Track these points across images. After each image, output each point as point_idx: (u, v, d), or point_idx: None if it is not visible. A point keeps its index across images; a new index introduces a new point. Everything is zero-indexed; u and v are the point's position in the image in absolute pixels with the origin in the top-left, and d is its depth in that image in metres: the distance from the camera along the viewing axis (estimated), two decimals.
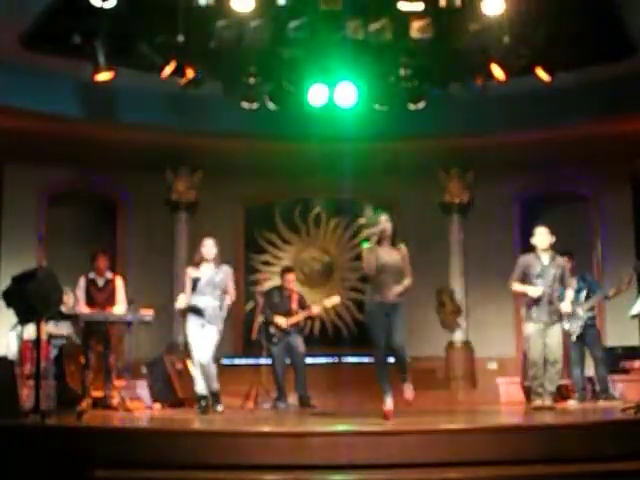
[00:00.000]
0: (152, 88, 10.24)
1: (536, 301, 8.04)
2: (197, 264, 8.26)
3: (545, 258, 8.13)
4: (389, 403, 7.21)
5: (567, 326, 9.20)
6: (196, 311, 8.12)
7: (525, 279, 8.17)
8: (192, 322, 8.16)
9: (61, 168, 12.11)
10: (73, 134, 11.17)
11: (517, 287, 8.22)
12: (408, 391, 7.29)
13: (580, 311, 9.23)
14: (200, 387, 8.16)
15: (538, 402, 7.97)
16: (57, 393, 8.65)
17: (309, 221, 13.35)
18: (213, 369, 8.16)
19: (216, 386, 8.21)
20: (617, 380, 9.57)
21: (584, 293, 9.35)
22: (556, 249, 8.22)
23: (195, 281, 8.19)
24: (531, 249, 8.26)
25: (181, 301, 8.21)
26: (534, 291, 8.04)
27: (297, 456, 5.80)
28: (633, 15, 9.23)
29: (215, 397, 8.21)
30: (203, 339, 8.08)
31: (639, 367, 10.10)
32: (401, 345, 7.28)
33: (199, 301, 8.14)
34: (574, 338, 9.28)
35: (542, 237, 8.16)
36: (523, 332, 8.32)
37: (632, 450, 5.95)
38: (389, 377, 7.29)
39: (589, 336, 9.31)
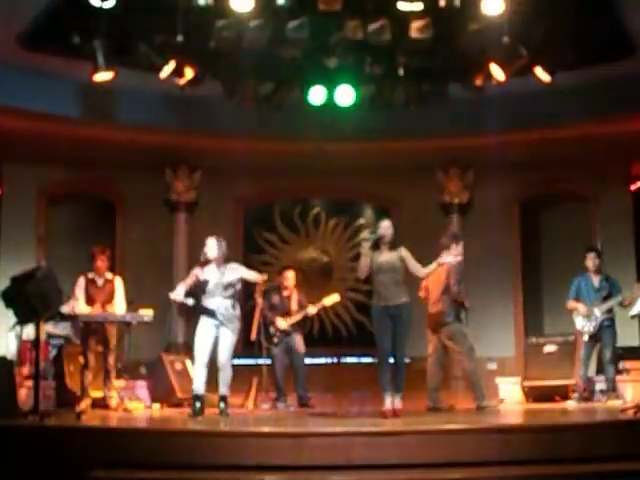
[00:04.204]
0: (152, 88, 10.21)
1: None
2: (203, 265, 8.11)
3: None
4: (389, 403, 7.23)
5: (581, 325, 9.18)
6: (208, 312, 7.99)
7: None
8: (204, 323, 8.01)
9: (61, 168, 12.10)
10: (73, 134, 11.16)
11: None
12: (396, 402, 7.32)
13: (597, 311, 9.19)
14: (196, 386, 7.96)
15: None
16: (56, 393, 8.65)
17: (308, 221, 13.33)
18: (229, 372, 8.00)
19: (224, 390, 8.00)
20: (617, 380, 9.55)
21: (603, 293, 9.29)
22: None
23: (204, 283, 8.04)
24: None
25: (178, 292, 8.06)
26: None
27: (297, 456, 5.80)
28: (633, 15, 9.21)
29: (223, 401, 7.99)
30: (220, 341, 7.94)
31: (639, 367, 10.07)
32: (400, 357, 7.34)
33: (210, 303, 8.00)
34: (586, 337, 9.24)
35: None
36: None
37: (632, 450, 5.95)
38: (390, 378, 7.31)
39: (605, 335, 9.26)
